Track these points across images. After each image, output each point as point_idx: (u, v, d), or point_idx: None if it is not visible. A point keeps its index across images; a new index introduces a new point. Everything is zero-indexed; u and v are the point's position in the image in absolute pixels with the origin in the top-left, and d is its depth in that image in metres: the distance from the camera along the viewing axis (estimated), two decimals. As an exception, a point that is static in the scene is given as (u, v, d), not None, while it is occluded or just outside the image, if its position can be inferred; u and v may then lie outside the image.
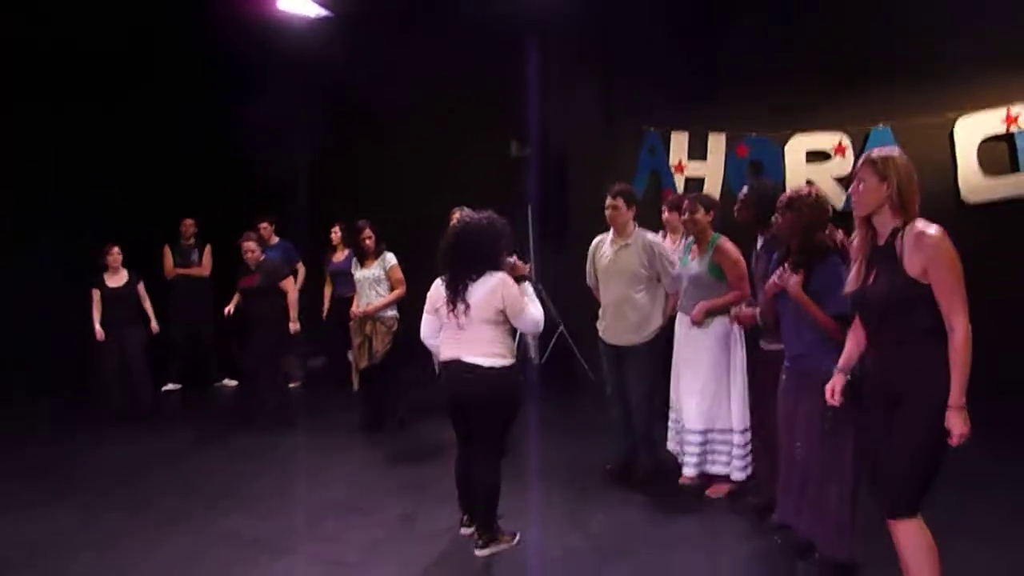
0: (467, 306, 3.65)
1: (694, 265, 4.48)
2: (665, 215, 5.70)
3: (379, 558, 3.90)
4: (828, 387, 3.04)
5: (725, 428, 4.38)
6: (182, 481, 5.25)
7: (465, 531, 3.95)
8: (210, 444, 6.14)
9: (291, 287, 6.68)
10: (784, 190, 3.69)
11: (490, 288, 3.65)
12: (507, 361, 3.69)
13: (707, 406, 4.38)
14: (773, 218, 3.58)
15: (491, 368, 3.63)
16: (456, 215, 6.04)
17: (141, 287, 7.23)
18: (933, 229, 2.69)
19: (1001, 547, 3.66)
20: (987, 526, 3.89)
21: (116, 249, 7.11)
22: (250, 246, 6.54)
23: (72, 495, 5.03)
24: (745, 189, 4.08)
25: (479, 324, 3.65)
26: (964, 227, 5.61)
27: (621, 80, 7.48)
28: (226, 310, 6.83)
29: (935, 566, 2.75)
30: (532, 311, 3.75)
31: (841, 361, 3.06)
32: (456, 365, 3.68)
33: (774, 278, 3.52)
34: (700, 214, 4.41)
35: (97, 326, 6.96)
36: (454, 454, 3.97)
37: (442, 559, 3.86)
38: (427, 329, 3.91)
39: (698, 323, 4.38)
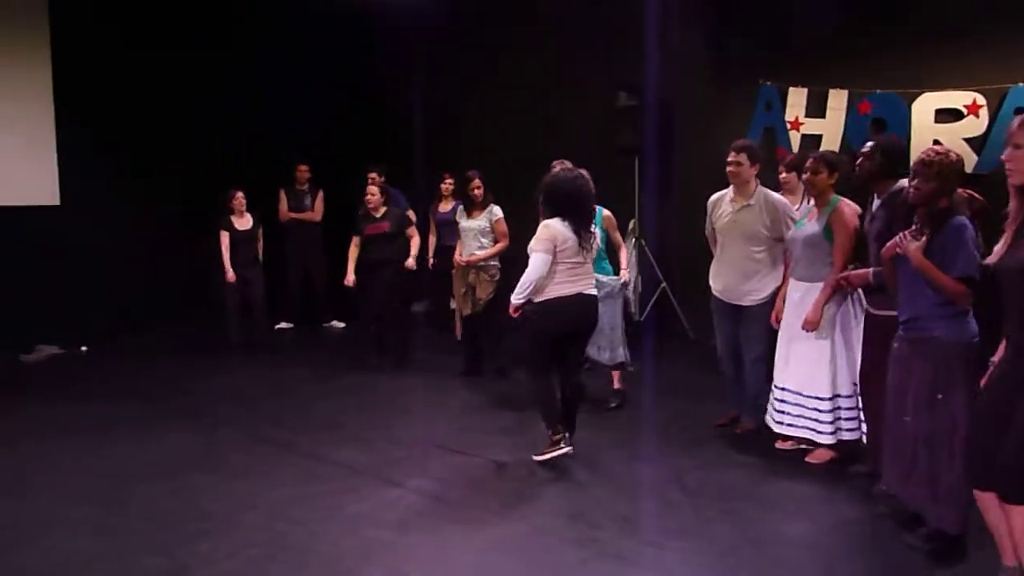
0: (592, 246, 4.43)
1: (811, 225, 4.30)
2: (783, 175, 5.48)
3: (480, 497, 4.05)
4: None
5: (835, 394, 4.25)
6: (293, 413, 5.55)
7: (569, 450, 4.37)
8: (319, 380, 6.44)
9: (415, 233, 6.86)
10: (908, 149, 3.49)
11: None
12: None
13: (832, 372, 4.24)
14: (914, 182, 3.28)
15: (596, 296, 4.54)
16: (557, 168, 6.05)
17: (260, 232, 7.63)
18: None
19: None
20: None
21: (240, 194, 7.50)
22: (372, 189, 6.78)
23: (190, 419, 5.39)
24: (869, 144, 3.90)
25: (589, 261, 4.46)
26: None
27: (734, 32, 7.21)
28: (348, 281, 6.71)
29: None
30: None
31: (997, 355, 2.88)
32: (581, 297, 4.38)
33: (895, 241, 3.35)
34: (823, 175, 4.20)
35: (228, 267, 7.35)
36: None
37: (541, 502, 3.96)
38: (546, 268, 4.28)
39: (810, 328, 4.21)
